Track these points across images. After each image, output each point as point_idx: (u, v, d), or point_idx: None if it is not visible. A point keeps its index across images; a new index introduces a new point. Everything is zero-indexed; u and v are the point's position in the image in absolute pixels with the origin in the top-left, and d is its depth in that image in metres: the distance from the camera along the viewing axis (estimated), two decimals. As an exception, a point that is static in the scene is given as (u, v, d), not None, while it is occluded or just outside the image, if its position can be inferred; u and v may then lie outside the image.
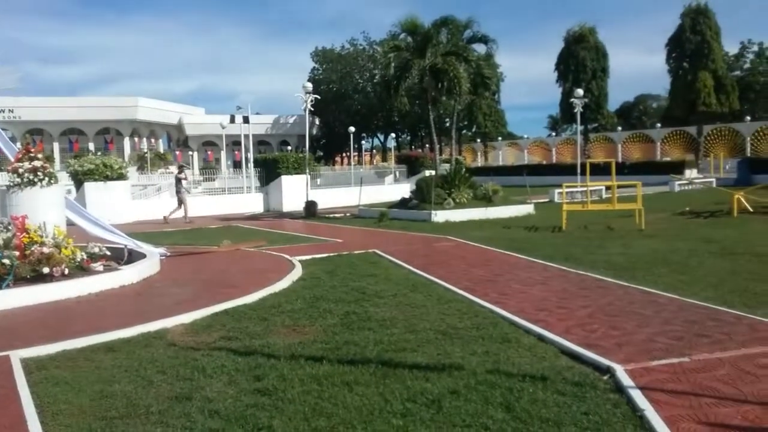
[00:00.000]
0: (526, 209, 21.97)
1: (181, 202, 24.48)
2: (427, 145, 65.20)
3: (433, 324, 6.87)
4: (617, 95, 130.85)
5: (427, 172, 32.48)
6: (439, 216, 19.78)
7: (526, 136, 76.23)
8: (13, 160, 11.01)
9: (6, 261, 8.55)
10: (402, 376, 5.17)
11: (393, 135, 63.67)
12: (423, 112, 40.61)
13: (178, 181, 24.92)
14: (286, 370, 5.39)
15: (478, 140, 72.99)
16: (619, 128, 66.76)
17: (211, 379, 5.26)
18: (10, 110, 46.03)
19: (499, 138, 72.08)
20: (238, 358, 5.81)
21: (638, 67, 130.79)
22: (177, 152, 56.75)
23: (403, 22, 25.83)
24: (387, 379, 5.12)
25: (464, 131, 71.81)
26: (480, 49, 27.36)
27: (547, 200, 28.01)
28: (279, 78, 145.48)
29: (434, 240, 14.80)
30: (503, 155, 71.17)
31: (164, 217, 23.86)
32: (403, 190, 31.17)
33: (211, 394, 4.90)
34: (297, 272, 10.39)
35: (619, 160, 50.94)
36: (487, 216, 20.36)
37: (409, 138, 77.54)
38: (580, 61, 56.67)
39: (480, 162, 70.31)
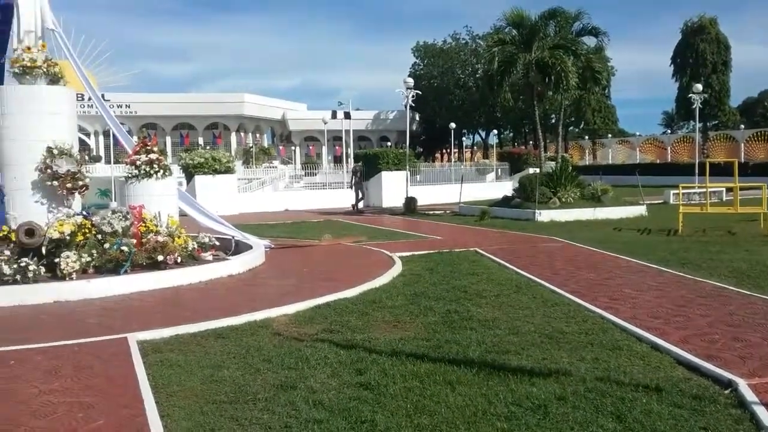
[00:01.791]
0: (638, 210, 21.04)
1: (360, 192, 26.41)
2: (531, 142, 63.89)
3: (538, 327, 6.72)
4: (740, 91, 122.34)
5: (531, 170, 31.81)
6: (544, 215, 19.33)
7: (638, 133, 72.85)
8: (131, 152, 11.77)
9: (125, 248, 9.18)
10: (506, 379, 5.10)
11: (495, 131, 62.76)
12: (527, 108, 39.80)
13: (355, 173, 26.07)
14: (387, 366, 5.46)
15: (586, 137, 70.64)
16: (742, 126, 62.49)
17: (315, 370, 5.41)
18: (127, 106, 49.23)
19: (609, 135, 69.38)
20: (341, 350, 5.94)
21: (764, 61, 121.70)
22: (280, 147, 58.68)
23: (509, 15, 25.41)
24: (490, 381, 5.06)
25: (571, 128, 69.74)
26: (590, 42, 26.50)
27: (661, 201, 26.71)
28: (380, 74, 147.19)
29: (538, 240, 14.48)
30: (613, 153, 68.40)
31: (352, 205, 26.24)
32: (505, 188, 30.69)
33: (315, 384, 5.04)
34: (397, 268, 10.48)
35: (742, 160, 47.64)
36: (595, 216, 19.67)
37: (511, 134, 76.20)
38: (700, 54, 53.61)
39: (588, 160, 68.00)
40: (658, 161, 59.73)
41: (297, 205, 29.18)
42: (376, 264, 11.01)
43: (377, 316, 7.35)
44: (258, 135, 60.41)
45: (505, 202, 22.96)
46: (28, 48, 10.60)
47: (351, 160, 36.12)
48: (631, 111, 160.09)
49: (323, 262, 11.72)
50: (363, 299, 8.21)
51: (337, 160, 51.68)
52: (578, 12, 25.46)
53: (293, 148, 60.89)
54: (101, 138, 49.80)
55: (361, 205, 26.93)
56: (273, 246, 13.27)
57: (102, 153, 45.17)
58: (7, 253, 8.78)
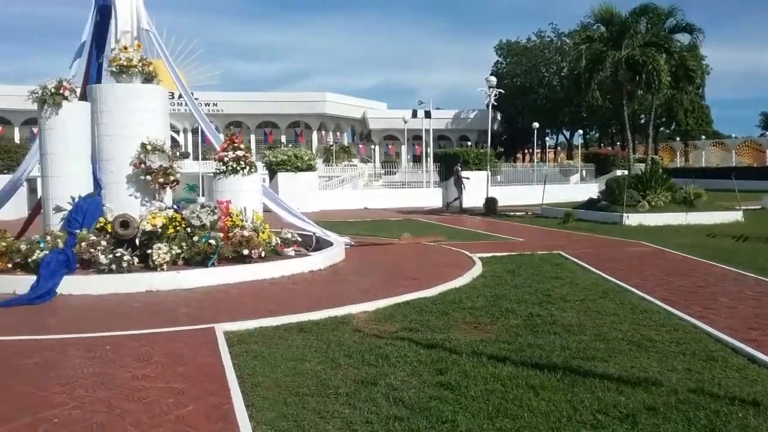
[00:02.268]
0: (734, 216, 19.99)
1: (459, 191, 26.17)
2: (619, 143, 61.81)
3: (626, 334, 6.51)
4: None
5: (618, 172, 30.83)
6: (632, 219, 18.68)
7: (733, 135, 69.25)
8: (219, 149, 12.21)
9: (212, 241, 9.53)
10: (592, 386, 4.97)
11: (580, 131, 61.10)
12: (616, 108, 38.53)
13: (457, 172, 26.19)
14: (468, 367, 5.42)
15: (678, 139, 67.71)
16: None
17: (395, 367, 5.44)
18: (214, 104, 51.03)
19: (703, 137, 66.22)
20: (420, 349, 5.95)
21: None
22: (360, 146, 59.34)
23: (598, 12, 24.71)
24: (575, 387, 4.94)
25: (662, 129, 67.03)
26: (683, 39, 25.42)
27: (758, 207, 25.26)
28: (460, 72, 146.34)
29: (626, 244, 14.01)
30: (706, 156, 65.24)
31: (447, 204, 26.39)
32: (591, 190, 29.88)
33: (395, 382, 5.07)
34: (477, 269, 10.40)
35: None
36: (687, 221, 18.83)
37: (597, 135, 74.04)
38: (806, 51, 50.21)
39: (679, 163, 65.11)
40: (755, 165, 56.51)
41: (376, 203, 29.44)
42: (455, 264, 10.95)
43: (457, 316, 7.32)
44: (338, 133, 61.33)
45: (590, 204, 22.34)
46: (125, 48, 11.18)
47: (431, 159, 36.03)
48: (727, 112, 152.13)
49: (402, 260, 11.77)
50: (442, 299, 8.20)
51: (417, 159, 51.77)
52: (671, 8, 24.48)
53: (373, 146, 61.44)
54: (189, 135, 51.88)
55: (457, 204, 26.41)
56: (353, 243, 13.44)
57: (190, 149, 47.00)
58: (104, 243, 9.29)
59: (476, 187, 27.12)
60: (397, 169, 43.49)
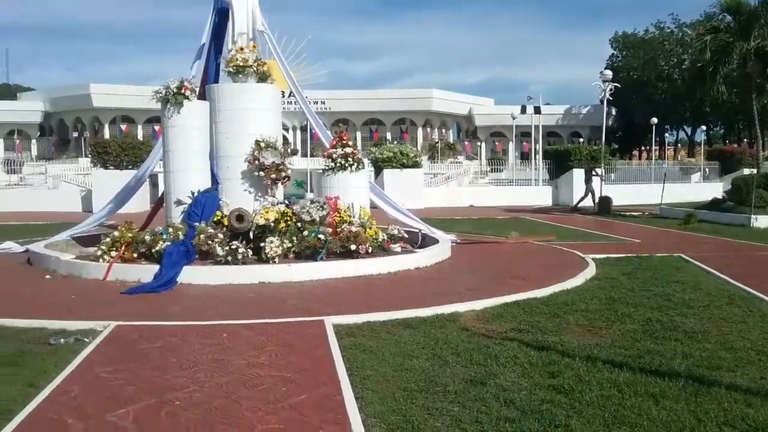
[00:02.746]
0: None
1: (589, 191, 25.44)
2: (746, 140, 57.85)
3: (755, 343, 6.09)
4: None
5: (746, 171, 28.81)
6: (761, 221, 17.43)
7: None
8: (328, 146, 12.52)
9: (321, 236, 9.80)
10: (717, 396, 4.69)
11: (703, 127, 57.59)
12: (743, 102, 36.04)
13: (589, 171, 25.74)
14: (582, 371, 5.27)
15: (815, 134, 62.39)
16: None
17: (504, 368, 5.37)
18: (322, 102, 52.35)
19: None
20: (531, 351, 5.85)
21: None
22: (466, 142, 58.96)
23: (724, 1, 23.22)
24: (699, 398, 4.68)
25: (796, 123, 61.96)
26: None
27: None
28: (572, 66, 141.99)
29: (755, 248, 13.10)
30: None
31: (573, 205, 25.67)
32: (714, 189, 28.14)
33: (505, 382, 5.00)
34: (590, 270, 10.07)
35: None
36: (826, 225, 17.35)
37: (722, 131, 69.59)
38: None
39: (816, 160, 60.00)
40: None
41: (482, 201, 29.15)
42: (566, 265, 10.67)
43: (569, 318, 7.12)
44: (444, 130, 61.21)
45: (714, 205, 21.06)
46: (241, 49, 11.70)
47: (539, 156, 35.24)
48: None
49: (510, 259, 11.59)
50: (553, 300, 8.00)
51: (524, 156, 50.77)
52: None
53: (479, 143, 60.82)
54: (298, 132, 53.52)
55: (587, 203, 25.36)
56: (459, 241, 13.39)
57: (299, 147, 48.50)
58: (221, 236, 9.78)
59: (584, 183, 26.24)
60: (503, 166, 42.87)
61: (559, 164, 30.51)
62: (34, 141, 58.68)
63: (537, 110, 38.99)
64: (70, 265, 9.93)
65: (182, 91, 11.02)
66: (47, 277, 9.79)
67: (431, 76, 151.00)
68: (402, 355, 5.74)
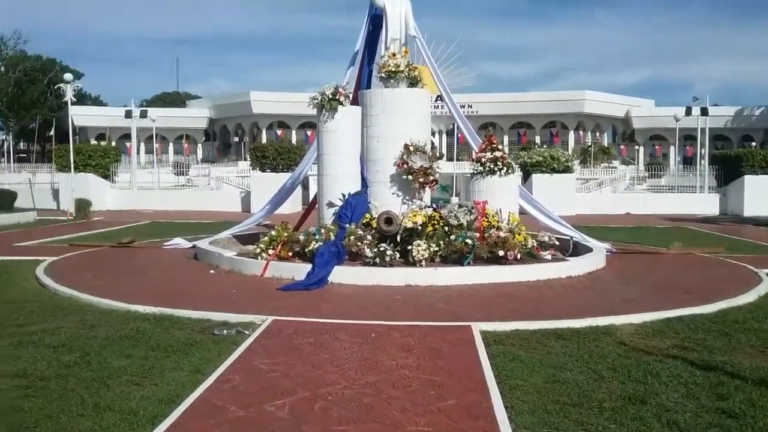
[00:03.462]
0: None
1: None
2: None
3: None
4: None
5: None
6: None
7: None
8: (477, 150, 12.47)
9: (469, 241, 9.78)
10: None
11: None
12: None
13: None
14: (755, 395, 4.85)
15: None
16: None
17: (666, 387, 5.06)
18: (469, 106, 52.24)
19: None
20: (696, 370, 5.46)
21: None
22: (621, 146, 56.27)
23: None
24: None
25: None
26: None
27: None
28: (744, 64, 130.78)
29: None
30: None
31: None
32: None
33: (668, 402, 4.71)
34: (764, 286, 9.22)
35: None
36: None
37: None
38: None
39: None
40: None
41: (639, 208, 27.66)
42: (736, 279, 9.86)
43: (740, 338, 6.57)
44: (597, 133, 58.86)
45: None
46: (393, 54, 11.97)
47: (705, 161, 32.83)
48: None
49: (672, 272, 10.89)
50: (722, 317, 7.42)
51: (687, 161, 47.53)
52: None
53: (636, 147, 57.79)
54: (444, 136, 53.81)
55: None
56: (614, 250, 12.80)
57: (444, 150, 48.73)
58: (369, 238, 10.05)
59: (763, 194, 24.08)
60: (664, 171, 40.38)
61: (728, 170, 28.25)
62: (199, 145, 63.84)
63: (704, 112, 36.27)
64: (231, 262, 10.68)
65: (337, 97, 11.48)
66: (211, 271, 10.59)
67: (583, 77, 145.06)
68: (554, 366, 5.58)
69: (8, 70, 63.80)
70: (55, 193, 28.13)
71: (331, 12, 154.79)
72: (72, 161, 25.82)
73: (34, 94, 65.27)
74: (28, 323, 7.24)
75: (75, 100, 26.62)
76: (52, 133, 51.27)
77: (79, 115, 45.69)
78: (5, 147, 60.12)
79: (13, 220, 19.96)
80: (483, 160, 11.78)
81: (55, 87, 37.26)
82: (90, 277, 10.09)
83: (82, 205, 23.04)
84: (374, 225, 10.49)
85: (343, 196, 11.16)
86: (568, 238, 12.21)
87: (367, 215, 10.86)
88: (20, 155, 65.49)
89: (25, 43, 66.24)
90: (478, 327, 6.82)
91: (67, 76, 26.56)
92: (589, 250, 11.66)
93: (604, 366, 5.59)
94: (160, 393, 4.98)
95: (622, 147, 56.18)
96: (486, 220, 10.66)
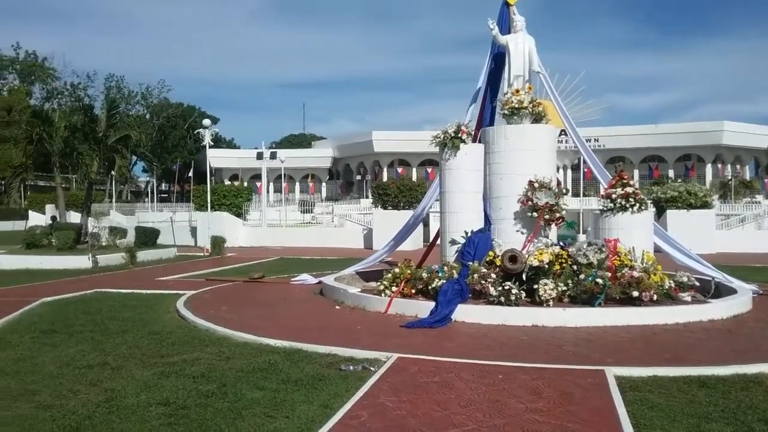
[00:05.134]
0: None
1: None
2: None
3: None
4: None
5: None
6: None
7: None
8: (606, 186, 12.07)
9: (599, 280, 9.41)
10: None
11: None
12: None
13: None
14: None
15: None
16: None
17: (831, 446, 4.60)
18: (595, 139, 50.77)
19: None
20: None
21: None
22: (766, 180, 52.30)
23: None
24: None
25: None
26: None
27: None
28: None
29: None
30: None
31: None
32: None
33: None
34: None
35: None
36: None
37: None
38: None
39: None
40: None
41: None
42: None
43: None
44: (738, 166, 55.15)
45: None
46: (517, 91, 11.92)
47: None
48: None
49: (831, 317, 9.91)
50: None
51: None
52: None
53: (784, 180, 53.55)
54: (569, 172, 52.47)
55: None
56: (761, 292, 11.82)
57: (569, 186, 47.51)
58: (493, 276, 9.93)
59: None
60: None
61: None
62: (324, 184, 66.22)
63: None
64: (356, 298, 10.91)
65: (459, 135, 11.57)
66: (337, 307, 10.86)
67: (718, 107, 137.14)
68: (697, 416, 5.22)
69: (153, 117, 69.65)
70: (193, 231, 30.02)
71: (449, 51, 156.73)
72: (209, 201, 27.55)
73: (175, 139, 70.75)
74: (170, 354, 7.73)
75: (212, 143, 28.46)
76: (190, 174, 55.02)
77: (215, 158, 48.83)
78: (149, 188, 65.28)
79: (157, 256, 21.48)
80: (614, 196, 11.38)
81: (195, 132, 40.06)
82: (225, 310, 10.64)
83: (217, 242, 24.42)
84: (498, 263, 10.35)
85: (466, 233, 11.14)
86: (710, 278, 11.45)
87: (491, 253, 10.75)
88: (162, 195, 70.78)
89: (168, 91, 72.32)
90: (612, 371, 6.52)
91: (206, 121, 28.54)
92: (733, 291, 10.86)
93: (754, 418, 5.17)
94: (292, 426, 5.14)
95: (766, 180, 52.21)
96: (618, 258, 10.23)
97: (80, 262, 18.39)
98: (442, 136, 11.73)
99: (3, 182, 52.86)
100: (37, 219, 37.71)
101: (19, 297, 12.26)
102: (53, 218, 24.77)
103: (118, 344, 8.25)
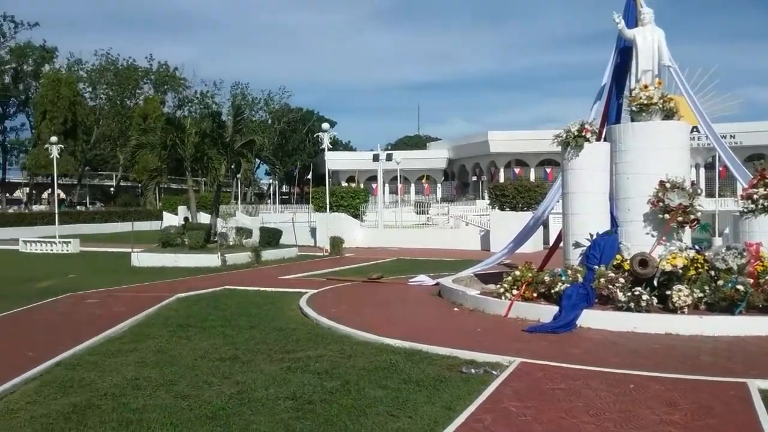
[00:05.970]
0: None
1: None
2: None
3: None
4: None
5: None
6: None
7: None
8: (746, 186, 11.26)
9: (740, 287, 8.79)
10: None
11: None
12: None
13: None
14: None
15: None
16: None
17: None
18: (732, 136, 47.50)
19: None
20: None
21: None
22: None
23: None
24: None
25: None
26: None
27: None
28: None
29: None
30: None
31: None
32: None
33: None
34: None
35: None
36: None
37: None
38: None
39: None
40: None
41: None
42: None
43: None
44: None
45: None
46: (645, 86, 11.37)
47: None
48: None
49: None
50: None
51: None
52: None
53: None
54: (701, 170, 49.53)
55: None
56: None
57: (702, 186, 44.82)
58: (621, 281, 9.52)
59: None
60: None
61: None
62: (439, 185, 66.28)
63: None
64: (475, 300, 10.82)
65: (582, 134, 11.20)
66: (455, 309, 10.83)
67: None
68: None
69: (274, 122, 72.60)
70: (312, 231, 30.93)
71: (570, 47, 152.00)
72: (327, 202, 28.33)
73: (295, 143, 73.30)
74: (295, 350, 8.02)
75: (330, 146, 29.22)
76: (309, 176, 56.83)
77: (333, 160, 50.04)
78: (271, 190, 68.11)
79: (279, 255, 22.33)
80: (755, 196, 10.61)
81: (315, 135, 41.32)
82: (345, 309, 10.89)
83: (336, 242, 25.03)
84: (627, 267, 9.92)
85: (591, 236, 10.75)
86: None
87: (618, 257, 10.32)
88: (283, 197, 73.57)
89: (289, 97, 75.11)
90: (755, 384, 6.09)
91: (325, 125, 29.34)
92: None
93: None
94: (415, 427, 5.19)
95: None
96: (761, 264, 9.51)
97: (210, 260, 19.48)
98: (564, 135, 11.40)
99: (140, 186, 57.04)
100: (170, 220, 40.26)
101: (156, 293, 13.15)
102: (185, 219, 26.40)
103: (246, 339, 8.66)
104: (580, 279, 9.92)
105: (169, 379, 6.75)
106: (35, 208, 57.69)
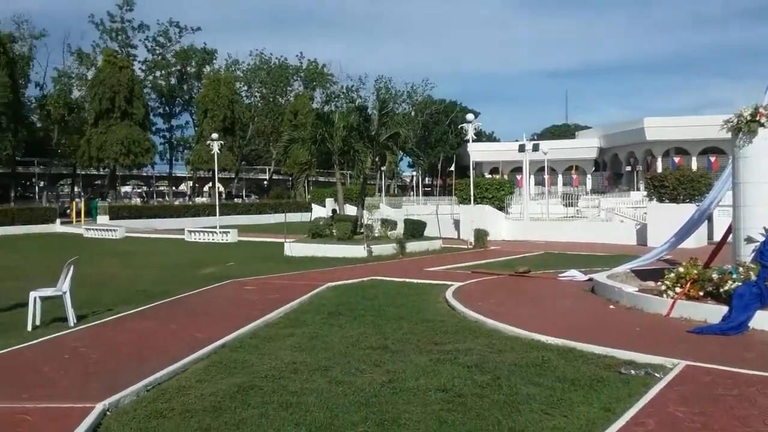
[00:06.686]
0: None
1: None
2: None
3: None
4: None
5: None
6: None
7: None
8: None
9: None
10: None
11: None
12: None
13: None
14: None
15: None
16: None
17: None
18: None
19: None
20: None
21: None
22: None
23: None
24: None
25: None
26: None
27: None
28: None
29: None
30: None
31: None
32: None
33: None
34: None
35: None
36: None
37: None
38: None
39: None
40: None
41: None
42: None
43: None
44: None
45: None
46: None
47: None
48: None
49: None
50: None
51: None
52: None
53: None
54: None
55: None
56: None
57: None
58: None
59: None
60: None
61: None
62: (589, 176, 63.70)
63: None
64: (633, 298, 10.29)
65: (757, 118, 10.28)
66: (611, 306, 10.36)
67: None
68: None
69: (417, 114, 73.26)
70: (456, 223, 30.89)
71: (737, 23, 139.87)
72: (472, 194, 28.16)
73: (438, 134, 73.54)
74: (443, 342, 8.05)
75: (474, 137, 28.99)
76: (452, 168, 56.79)
77: (476, 151, 49.58)
78: (414, 182, 68.89)
79: (423, 247, 22.53)
80: None
81: (459, 127, 41.17)
82: (492, 303, 10.77)
83: (481, 235, 24.82)
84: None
85: (766, 230, 9.85)
86: None
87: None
88: (425, 189, 74.20)
89: (432, 89, 75.41)
90: None
91: (469, 116, 29.17)
92: None
93: None
94: (572, 426, 5.03)
95: None
96: None
97: (357, 251, 20.06)
98: (735, 120, 10.53)
99: (291, 179, 59.87)
100: (318, 211, 41.93)
101: (308, 281, 13.74)
102: (333, 211, 27.34)
103: (395, 329, 8.81)
104: (753, 277, 9.11)
105: (324, 364, 7.02)
106: (198, 200, 62.49)
